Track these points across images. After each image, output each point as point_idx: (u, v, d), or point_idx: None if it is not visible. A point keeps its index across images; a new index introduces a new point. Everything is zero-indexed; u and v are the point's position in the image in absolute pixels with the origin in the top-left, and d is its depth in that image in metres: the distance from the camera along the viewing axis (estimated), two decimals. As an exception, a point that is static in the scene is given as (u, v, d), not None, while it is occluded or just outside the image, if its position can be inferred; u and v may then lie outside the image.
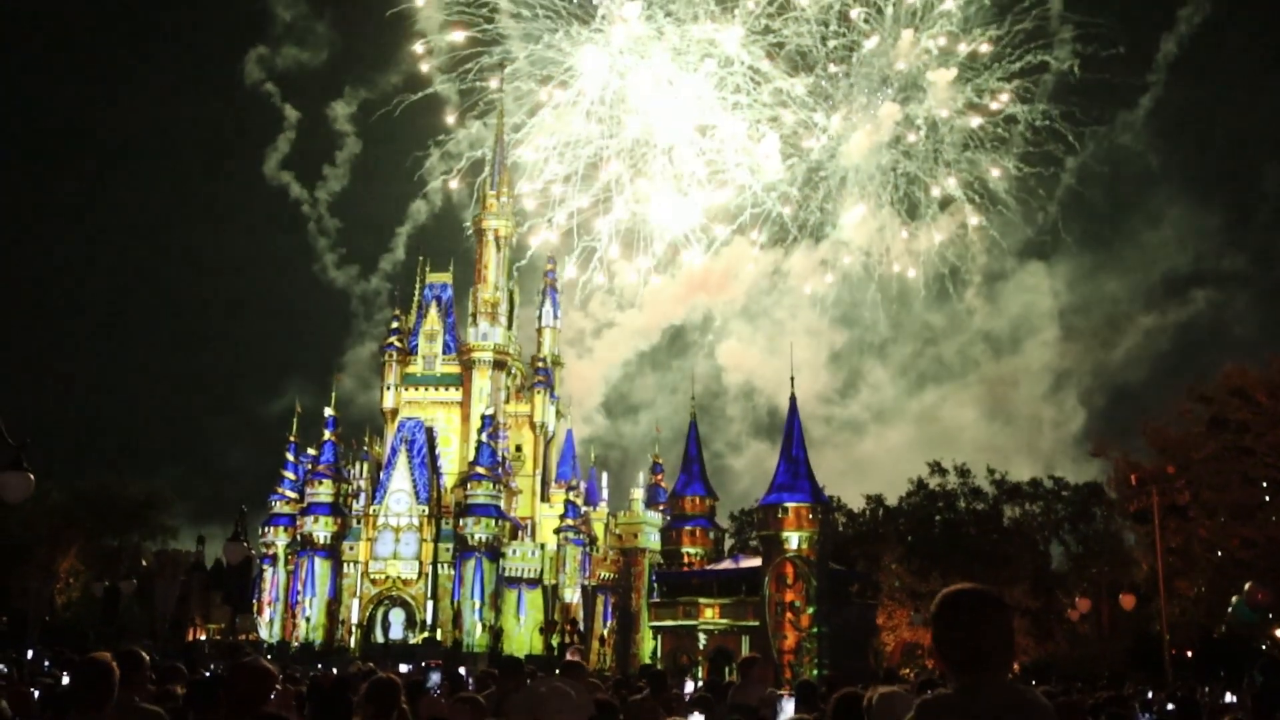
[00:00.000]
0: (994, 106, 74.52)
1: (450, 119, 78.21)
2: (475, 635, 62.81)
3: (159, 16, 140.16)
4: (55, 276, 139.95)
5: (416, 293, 75.21)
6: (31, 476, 14.04)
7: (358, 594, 65.53)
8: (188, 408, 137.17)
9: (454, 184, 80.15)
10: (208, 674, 10.18)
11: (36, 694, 11.70)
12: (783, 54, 71.48)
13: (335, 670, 26.56)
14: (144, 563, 70.03)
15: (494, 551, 64.82)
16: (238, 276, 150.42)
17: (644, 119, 73.35)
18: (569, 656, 11.59)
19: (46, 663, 23.82)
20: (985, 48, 72.59)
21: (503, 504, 66.44)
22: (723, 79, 72.02)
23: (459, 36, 73.36)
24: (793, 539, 54.14)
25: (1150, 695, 21.23)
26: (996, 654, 3.77)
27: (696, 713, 7.14)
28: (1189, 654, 44.46)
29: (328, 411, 68.87)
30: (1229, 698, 17.59)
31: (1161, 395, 48.07)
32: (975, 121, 74.87)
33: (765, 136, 73.68)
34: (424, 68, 75.92)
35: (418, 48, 75.72)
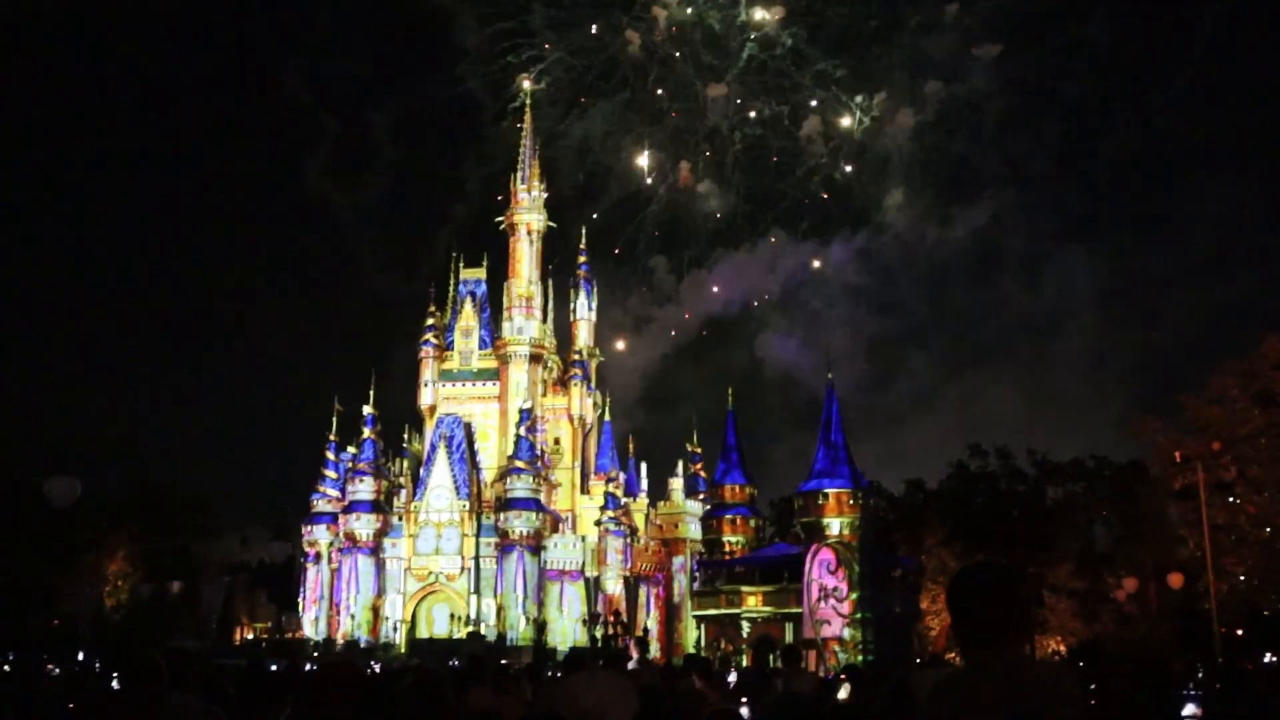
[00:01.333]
0: (1034, 82, 73.42)
1: (487, 118, 78.25)
2: (519, 629, 63.07)
3: (201, 23, 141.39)
4: (96, 279, 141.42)
5: (451, 289, 75.49)
6: (78, 482, 14.22)
7: (401, 590, 65.97)
8: (231, 411, 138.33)
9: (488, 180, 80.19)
10: (266, 672, 10.24)
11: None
12: (824, 35, 70.81)
13: (379, 666, 26.80)
14: (190, 564, 70.89)
15: (535, 545, 65.03)
16: (279, 281, 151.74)
17: (685, 106, 72.95)
18: (630, 649, 11.62)
19: (97, 664, 24.17)
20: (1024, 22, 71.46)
21: (542, 497, 66.63)
22: (764, 63, 71.46)
23: (494, 33, 73.37)
24: (834, 525, 54.02)
25: (1200, 674, 21.00)
26: (1006, 627, 3.71)
27: (744, 700, 7.11)
28: (1239, 632, 43.92)
29: (366, 410, 69.28)
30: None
31: (1203, 374, 47.27)
32: (1015, 99, 73.81)
33: (807, 120, 73.06)
34: (461, 71, 76.08)
35: (456, 48, 75.85)
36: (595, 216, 76.87)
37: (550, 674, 12.56)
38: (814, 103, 72.86)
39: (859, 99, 73.04)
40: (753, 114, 73.29)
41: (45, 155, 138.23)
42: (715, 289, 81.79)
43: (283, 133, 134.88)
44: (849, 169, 75.69)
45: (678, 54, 71.73)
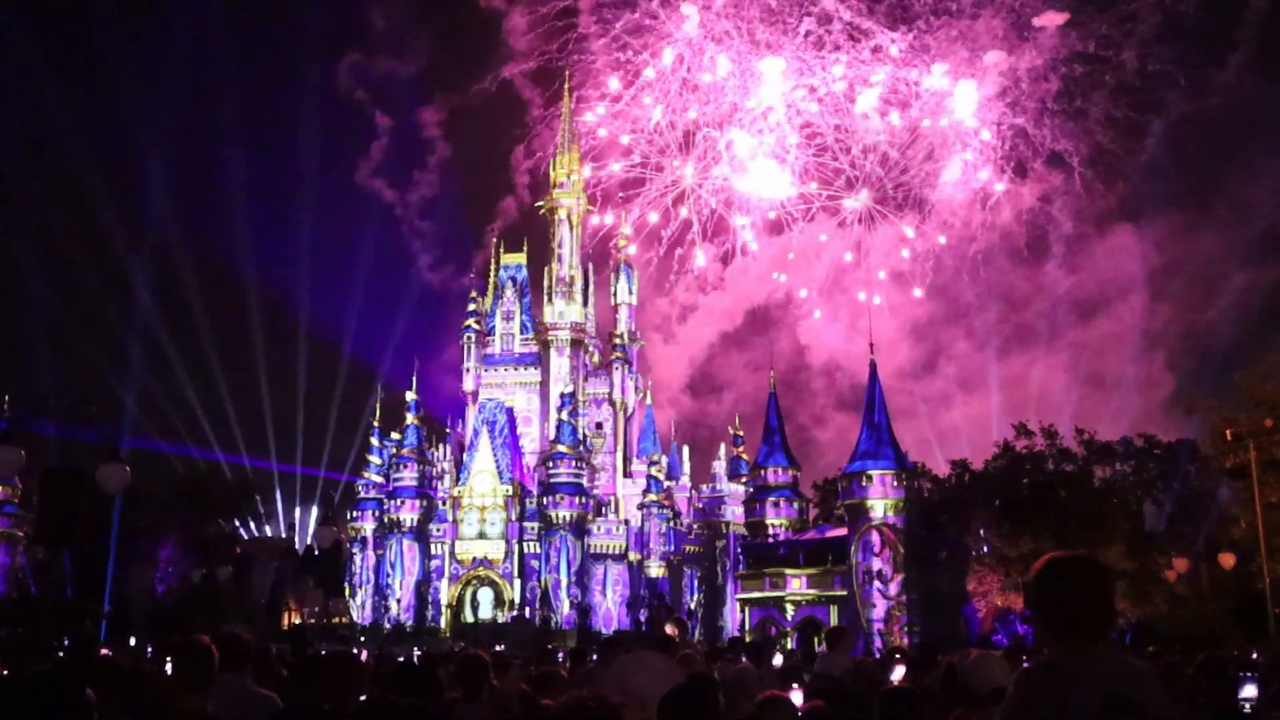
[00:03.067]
0: (1097, 53, 71.85)
1: (535, 112, 78.07)
2: (562, 612, 63.38)
3: (257, 22, 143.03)
4: (149, 272, 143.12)
5: (492, 274, 75.72)
6: (128, 468, 14.39)
7: (446, 575, 66.48)
8: (279, 398, 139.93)
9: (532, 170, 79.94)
10: (315, 656, 10.32)
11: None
12: (883, 6, 69.72)
13: (426, 650, 26.99)
14: (239, 550, 71.80)
15: (578, 529, 65.28)
16: (331, 275, 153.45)
17: (735, 86, 72.19)
18: (669, 630, 11.59)
19: (149, 649, 24.51)
20: None
21: (585, 481, 66.84)
22: (820, 38, 70.54)
23: (545, 30, 73.15)
24: (878, 506, 53.66)
25: (1255, 655, 20.70)
26: (1101, 620, 3.81)
27: (794, 685, 7.06)
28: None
29: (410, 396, 69.76)
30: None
31: (1256, 355, 46.55)
32: (1079, 69, 72.27)
33: (862, 95, 72.00)
34: (510, 65, 76.02)
35: (505, 46, 75.92)
36: (639, 204, 76.39)
37: (590, 658, 12.56)
38: (872, 78, 71.71)
39: (914, 73, 71.79)
40: (808, 90, 72.32)
41: (106, 145, 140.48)
42: (761, 275, 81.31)
43: (336, 127, 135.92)
44: (900, 150, 74.53)
45: (729, 32, 70.92)
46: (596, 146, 75.51)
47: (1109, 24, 69.19)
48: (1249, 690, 8.51)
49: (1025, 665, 3.99)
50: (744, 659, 11.69)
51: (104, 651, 17.71)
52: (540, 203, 76.76)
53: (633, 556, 66.52)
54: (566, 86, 77.69)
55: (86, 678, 5.46)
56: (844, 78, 71.69)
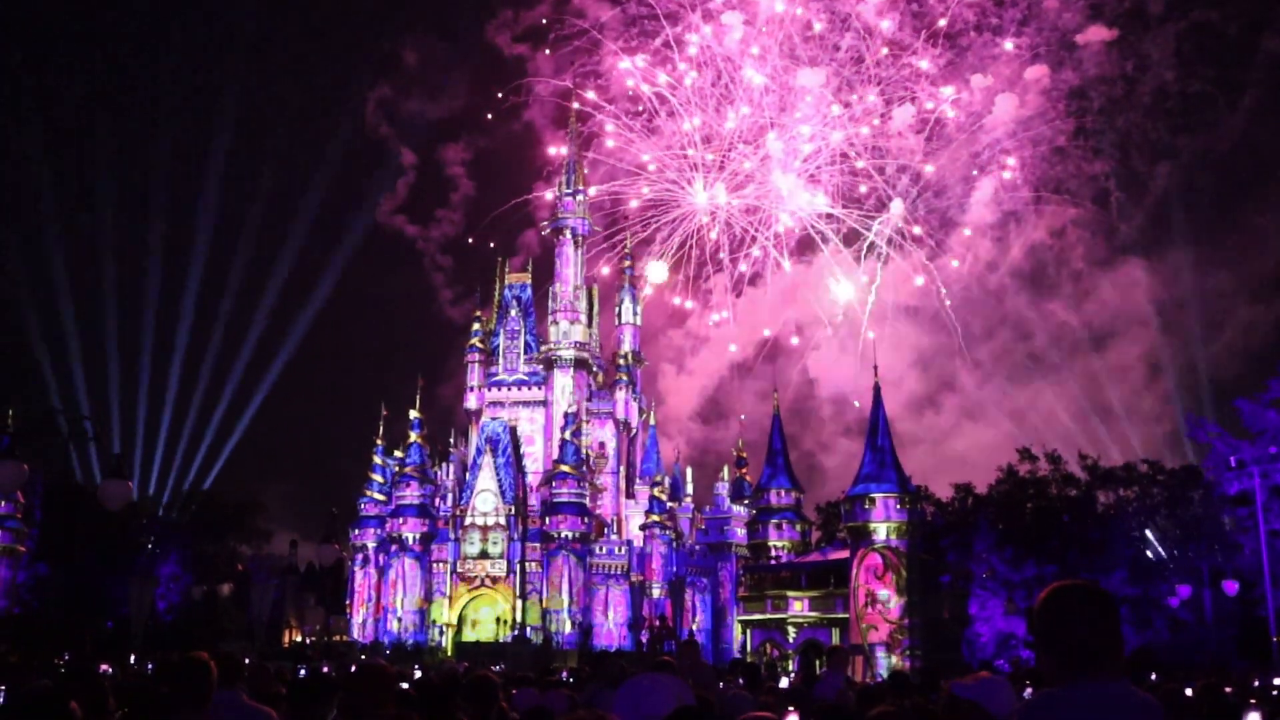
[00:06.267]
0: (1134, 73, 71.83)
1: (554, 147, 78.23)
2: (564, 632, 63.18)
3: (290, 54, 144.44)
4: (165, 296, 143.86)
5: (496, 294, 75.81)
6: (131, 484, 14.41)
7: (447, 593, 66.30)
8: (282, 417, 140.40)
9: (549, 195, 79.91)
10: (317, 673, 10.30)
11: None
12: (924, 23, 69.80)
13: (427, 670, 26.89)
14: (240, 567, 71.69)
15: (581, 549, 65.15)
16: (354, 307, 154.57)
17: (770, 102, 72.05)
18: (670, 655, 11.57)
19: (149, 666, 24.47)
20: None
21: (587, 501, 66.74)
22: (860, 53, 70.62)
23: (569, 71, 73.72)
24: (880, 530, 53.53)
25: (1257, 684, 20.60)
26: (1108, 650, 3.78)
27: (791, 709, 7.04)
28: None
29: (413, 414, 69.77)
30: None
31: (1261, 385, 46.51)
32: (1119, 90, 72.24)
33: (898, 111, 71.94)
34: (532, 103, 76.59)
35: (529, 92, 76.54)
36: (660, 229, 76.29)
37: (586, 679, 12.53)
38: (907, 96, 71.66)
39: (949, 90, 71.65)
40: (843, 107, 72.25)
41: (132, 171, 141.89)
42: (773, 306, 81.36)
43: (359, 161, 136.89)
44: (934, 166, 74.20)
45: (765, 47, 70.82)
46: (615, 167, 75.80)
47: (1151, 43, 69.08)
48: (1254, 717, 8.46)
49: (1030, 696, 3.96)
50: (740, 681, 11.67)
51: (103, 668, 17.70)
52: (544, 222, 76.95)
53: (635, 577, 66.34)
54: (573, 106, 78.09)
55: (77, 694, 5.46)
56: (881, 95, 71.81)
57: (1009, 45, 71.01)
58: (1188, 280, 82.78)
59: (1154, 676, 23.71)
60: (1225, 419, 46.82)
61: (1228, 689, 14.83)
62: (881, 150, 73.67)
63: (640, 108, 74.86)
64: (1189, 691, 11.97)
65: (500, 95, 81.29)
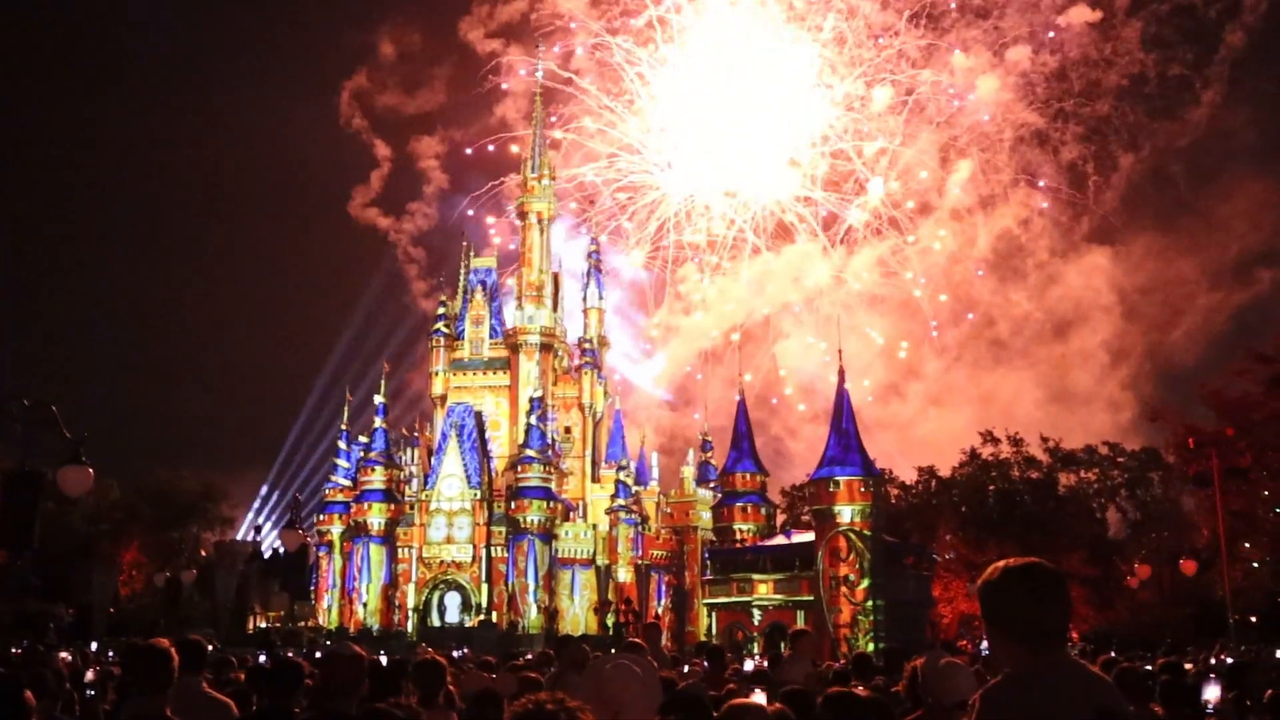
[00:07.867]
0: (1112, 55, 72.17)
1: (522, 129, 77.71)
2: (530, 617, 63.18)
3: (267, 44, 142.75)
4: (112, 277, 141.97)
5: (461, 278, 75.40)
6: (91, 470, 14.22)
7: (413, 579, 66.08)
8: (245, 401, 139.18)
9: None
10: (282, 660, 10.21)
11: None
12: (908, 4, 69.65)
13: (390, 654, 26.78)
14: (203, 553, 71.20)
15: (547, 533, 65.09)
16: (326, 295, 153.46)
17: (750, 86, 71.60)
18: (630, 637, 11.57)
19: (111, 653, 24.25)
20: None
21: (553, 486, 66.66)
22: (843, 34, 70.42)
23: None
24: (845, 512, 53.85)
25: (1213, 660, 20.90)
26: (1059, 627, 3.72)
27: (759, 689, 7.05)
28: (1253, 619, 43.75)
29: (377, 399, 69.37)
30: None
31: (1220, 369, 46.97)
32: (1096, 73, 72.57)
33: (877, 91, 71.83)
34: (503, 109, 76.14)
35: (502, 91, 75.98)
36: (632, 214, 76.02)
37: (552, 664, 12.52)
38: (889, 78, 71.59)
39: (927, 73, 71.70)
40: (825, 89, 72.06)
41: (111, 179, 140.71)
42: (741, 295, 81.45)
43: (332, 153, 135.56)
44: (913, 149, 74.26)
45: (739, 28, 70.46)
46: (590, 151, 75.47)
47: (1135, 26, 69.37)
48: (1211, 692, 8.56)
49: (990, 681, 3.87)
50: (706, 664, 11.70)
51: (63, 655, 17.50)
52: (510, 205, 76.57)
53: (601, 561, 66.40)
54: (538, 93, 77.71)
55: (31, 682, 5.39)
56: (862, 77, 71.81)
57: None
58: (1149, 267, 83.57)
59: (1111, 655, 23.99)
60: (1185, 400, 47.40)
61: (1188, 665, 15.03)
62: (861, 133, 73.83)
63: (616, 88, 74.65)
64: (1149, 669, 12.12)
65: (479, 76, 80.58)
